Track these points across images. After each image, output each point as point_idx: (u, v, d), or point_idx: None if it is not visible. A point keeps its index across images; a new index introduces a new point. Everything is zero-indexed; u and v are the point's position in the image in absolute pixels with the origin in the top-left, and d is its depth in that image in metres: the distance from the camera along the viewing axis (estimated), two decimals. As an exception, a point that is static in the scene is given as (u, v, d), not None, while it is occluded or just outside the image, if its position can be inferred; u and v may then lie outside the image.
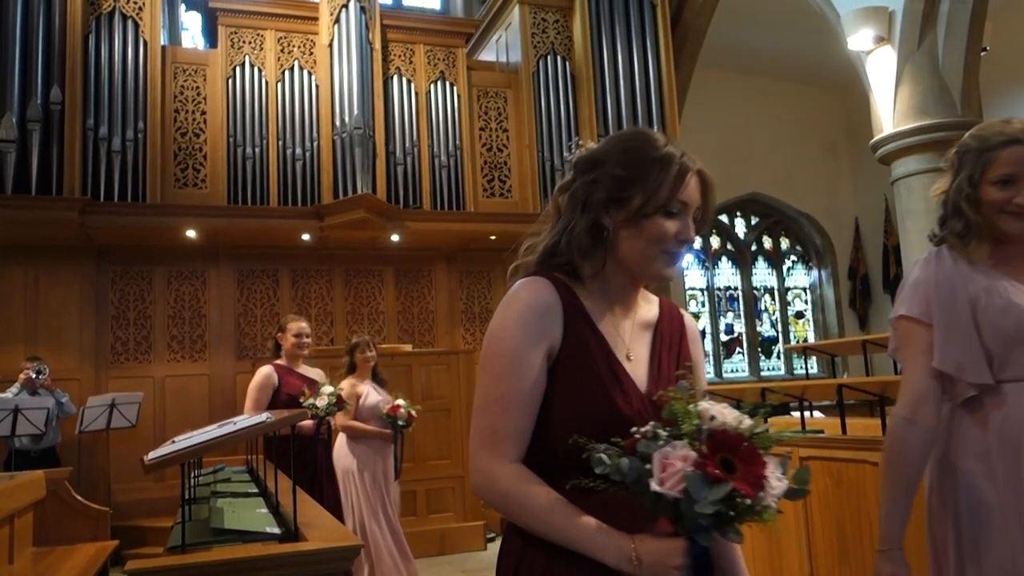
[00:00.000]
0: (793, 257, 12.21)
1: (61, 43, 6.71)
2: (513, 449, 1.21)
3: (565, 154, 8.11)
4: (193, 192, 7.21)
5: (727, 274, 11.78)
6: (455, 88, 8.14)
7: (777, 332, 11.90)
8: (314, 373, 4.53)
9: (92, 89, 6.80)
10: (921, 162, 6.33)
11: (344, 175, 7.24)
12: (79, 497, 4.21)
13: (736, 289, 11.78)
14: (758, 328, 11.76)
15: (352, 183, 7.18)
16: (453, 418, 6.70)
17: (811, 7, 7.33)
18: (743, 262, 11.86)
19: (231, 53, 7.50)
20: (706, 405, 1.07)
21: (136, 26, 7.07)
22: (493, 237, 7.80)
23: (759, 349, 11.66)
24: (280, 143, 7.43)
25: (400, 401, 4.66)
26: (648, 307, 1.38)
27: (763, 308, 11.92)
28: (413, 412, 4.67)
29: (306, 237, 7.39)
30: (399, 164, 7.71)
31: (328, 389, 4.25)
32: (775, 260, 12.07)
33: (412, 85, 8.00)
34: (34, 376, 6.12)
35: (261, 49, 7.59)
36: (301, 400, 4.19)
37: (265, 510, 2.75)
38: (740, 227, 11.88)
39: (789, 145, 11.34)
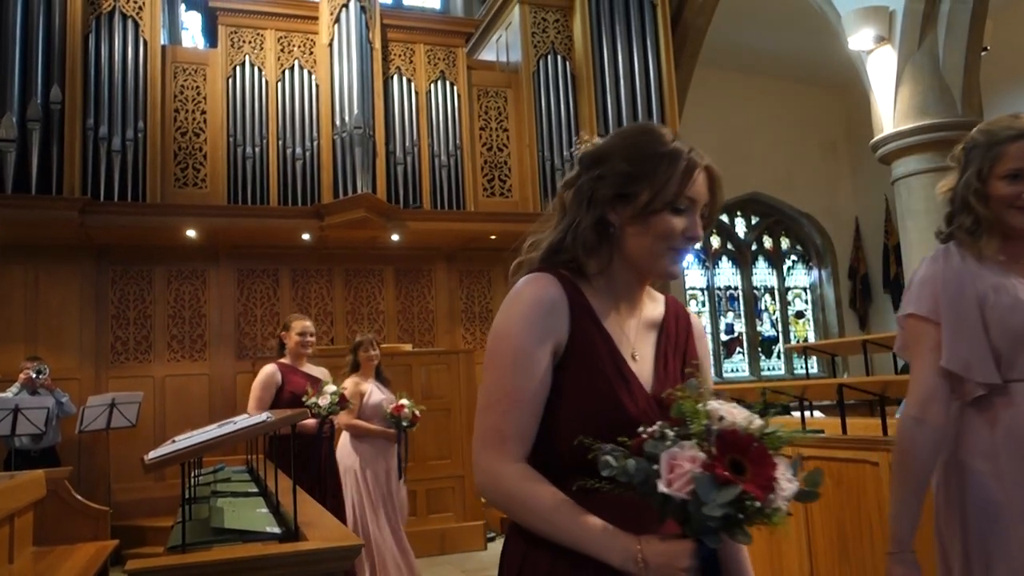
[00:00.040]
0: (793, 257, 12.21)
1: (61, 43, 6.70)
2: (517, 449, 1.19)
3: (565, 154, 8.11)
4: (193, 192, 7.21)
5: (727, 274, 11.78)
6: (455, 88, 8.14)
7: (777, 332, 11.90)
8: (319, 372, 4.54)
9: (92, 89, 6.80)
10: (921, 162, 6.33)
11: (344, 175, 7.24)
12: (79, 497, 4.21)
13: (736, 289, 11.79)
14: (758, 328, 11.76)
15: (352, 183, 7.18)
16: (453, 418, 6.70)
17: (811, 7, 7.33)
18: (743, 262, 11.86)
19: (231, 53, 7.50)
20: (715, 405, 1.05)
21: (136, 26, 7.07)
22: (493, 237, 7.80)
23: (759, 349, 11.67)
24: (280, 143, 7.43)
25: (404, 401, 4.65)
26: (654, 306, 1.36)
27: (763, 308, 11.92)
28: (417, 412, 4.66)
29: (306, 237, 7.39)
30: (399, 164, 7.71)
31: (331, 388, 4.25)
32: (775, 260, 12.07)
33: (412, 85, 8.00)
34: (34, 376, 6.12)
35: (261, 49, 7.59)
36: (304, 399, 4.20)
37: (265, 510, 2.75)
38: (740, 227, 11.88)
39: (789, 145, 11.34)
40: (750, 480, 0.98)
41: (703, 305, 11.40)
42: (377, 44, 7.75)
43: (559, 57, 8.36)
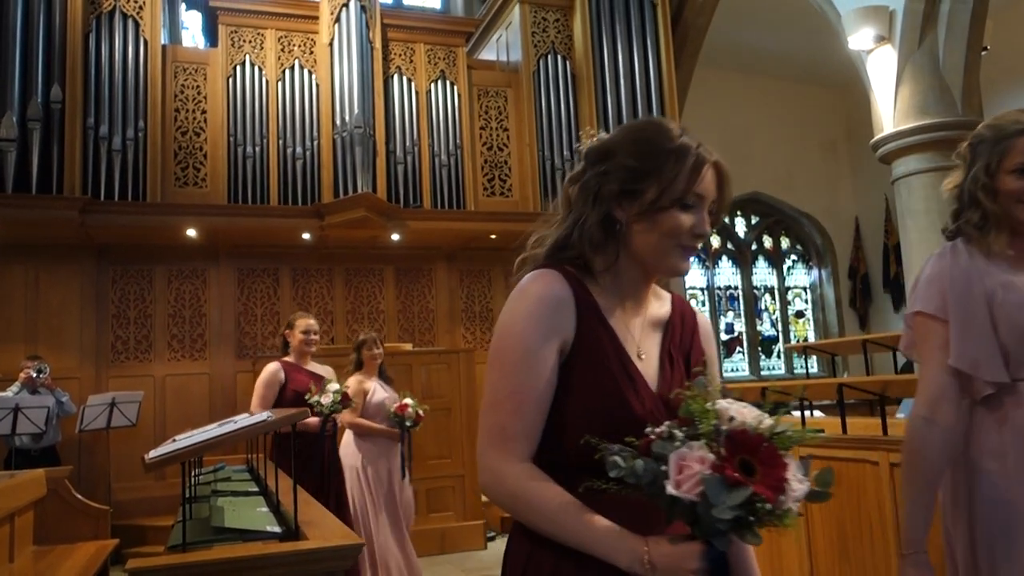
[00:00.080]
0: (793, 256, 12.21)
1: (61, 42, 6.71)
2: (523, 448, 1.17)
3: (565, 153, 8.12)
4: (193, 191, 7.22)
5: (727, 273, 11.78)
6: (455, 87, 8.14)
7: (777, 331, 11.90)
8: (324, 370, 4.53)
9: (92, 88, 6.80)
10: (921, 161, 6.33)
11: (344, 174, 7.24)
12: (79, 496, 4.22)
13: (736, 288, 11.78)
14: (758, 327, 11.76)
15: (352, 182, 7.18)
16: (453, 417, 6.70)
17: (812, 6, 7.33)
18: (743, 261, 11.85)
19: (231, 52, 7.50)
20: (725, 404, 1.03)
21: (136, 25, 7.07)
22: (493, 236, 7.80)
23: (759, 348, 11.67)
24: (280, 142, 7.43)
25: (408, 400, 4.64)
26: (659, 304, 1.34)
27: (763, 307, 11.92)
28: (421, 412, 4.66)
29: (306, 236, 7.39)
30: (399, 163, 7.71)
31: (334, 386, 4.25)
32: (775, 259, 12.07)
33: (412, 84, 8.00)
34: (34, 375, 6.13)
35: (261, 48, 7.60)
36: (307, 397, 4.20)
37: (266, 509, 2.76)
38: (740, 226, 11.88)
39: (789, 144, 11.33)
40: (760, 481, 0.96)
41: (703, 305, 11.39)
42: (377, 44, 7.75)
43: (559, 57, 8.36)
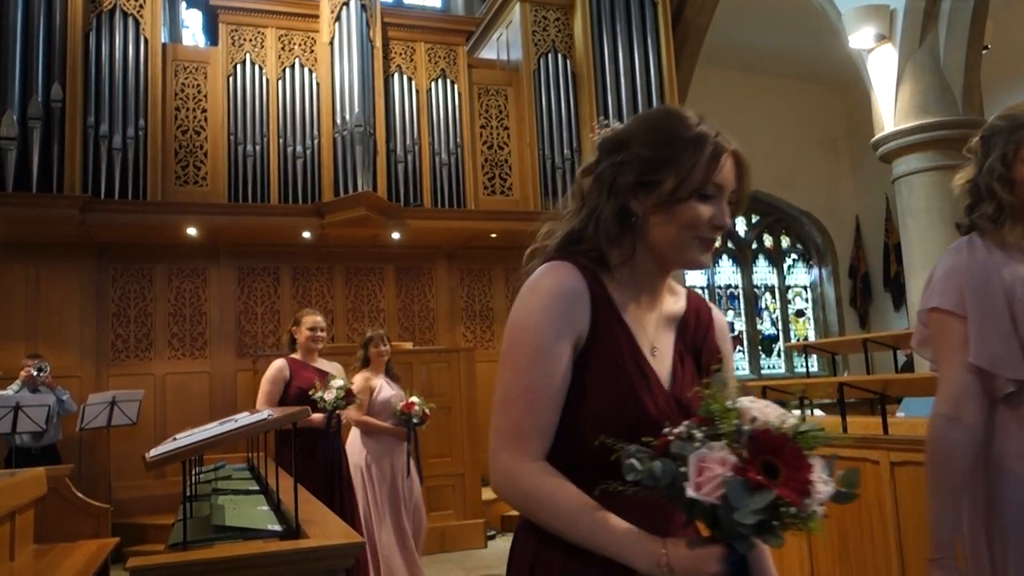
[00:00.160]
0: (794, 255, 12.21)
1: (62, 41, 6.70)
2: (537, 447, 1.13)
3: (566, 152, 8.12)
4: (194, 190, 7.22)
5: (727, 272, 11.79)
6: (456, 86, 8.13)
7: (777, 330, 11.91)
8: (332, 367, 4.52)
9: (93, 87, 6.80)
10: (922, 160, 6.32)
11: (345, 173, 7.24)
12: (80, 494, 4.22)
13: (736, 287, 11.79)
14: (759, 326, 11.76)
15: (353, 181, 7.18)
16: (454, 416, 6.70)
17: (812, 5, 7.33)
18: (744, 260, 11.86)
19: (232, 51, 7.50)
20: (747, 403, 0.99)
21: (137, 24, 7.06)
22: (494, 235, 7.80)
23: (759, 347, 11.67)
24: (281, 141, 7.43)
25: (414, 399, 4.63)
26: (674, 300, 1.30)
27: (763, 306, 11.93)
28: (427, 410, 4.65)
29: (307, 235, 7.39)
30: (400, 162, 7.71)
31: (338, 383, 4.24)
32: (776, 258, 12.07)
33: (413, 83, 8.00)
34: (35, 373, 6.13)
35: (262, 47, 7.59)
36: (311, 393, 4.19)
37: (266, 507, 2.76)
38: (741, 225, 11.87)
39: (790, 143, 11.33)
40: (784, 484, 0.92)
41: (703, 304, 11.39)
42: (378, 42, 7.75)
43: (560, 55, 8.35)
